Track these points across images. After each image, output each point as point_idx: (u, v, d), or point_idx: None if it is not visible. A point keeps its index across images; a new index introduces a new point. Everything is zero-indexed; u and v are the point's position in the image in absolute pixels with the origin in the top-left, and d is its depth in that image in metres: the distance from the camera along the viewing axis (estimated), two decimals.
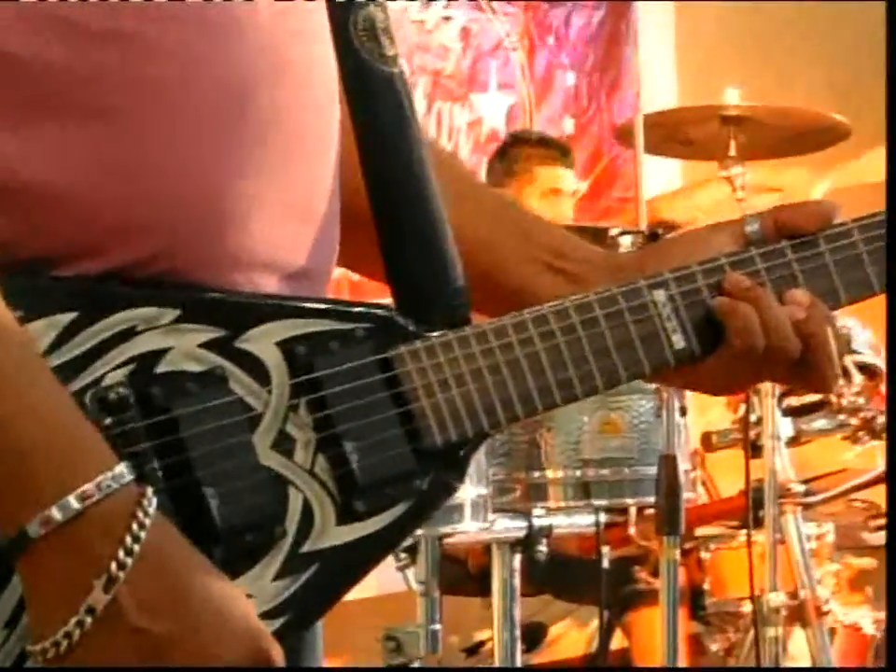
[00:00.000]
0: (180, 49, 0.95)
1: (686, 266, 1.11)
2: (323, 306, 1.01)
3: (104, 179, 0.93)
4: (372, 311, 1.02)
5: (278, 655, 0.90)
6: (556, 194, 4.13)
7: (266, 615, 0.94)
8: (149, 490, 0.87)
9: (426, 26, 5.03)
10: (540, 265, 1.20)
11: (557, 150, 4.30)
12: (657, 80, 5.49)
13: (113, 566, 0.84)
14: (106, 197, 0.93)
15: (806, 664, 2.99)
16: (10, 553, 0.85)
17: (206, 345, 0.94)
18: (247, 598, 0.91)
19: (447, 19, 5.09)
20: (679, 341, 1.09)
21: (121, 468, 0.86)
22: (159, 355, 0.93)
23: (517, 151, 4.26)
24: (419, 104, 4.95)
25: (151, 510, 0.86)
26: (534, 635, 4.61)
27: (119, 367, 0.92)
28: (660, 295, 1.09)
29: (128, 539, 0.85)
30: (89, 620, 0.84)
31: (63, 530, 0.84)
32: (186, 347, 0.94)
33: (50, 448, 0.85)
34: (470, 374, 1.02)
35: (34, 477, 0.85)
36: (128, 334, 0.92)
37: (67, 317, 0.90)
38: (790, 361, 1.11)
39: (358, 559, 1.00)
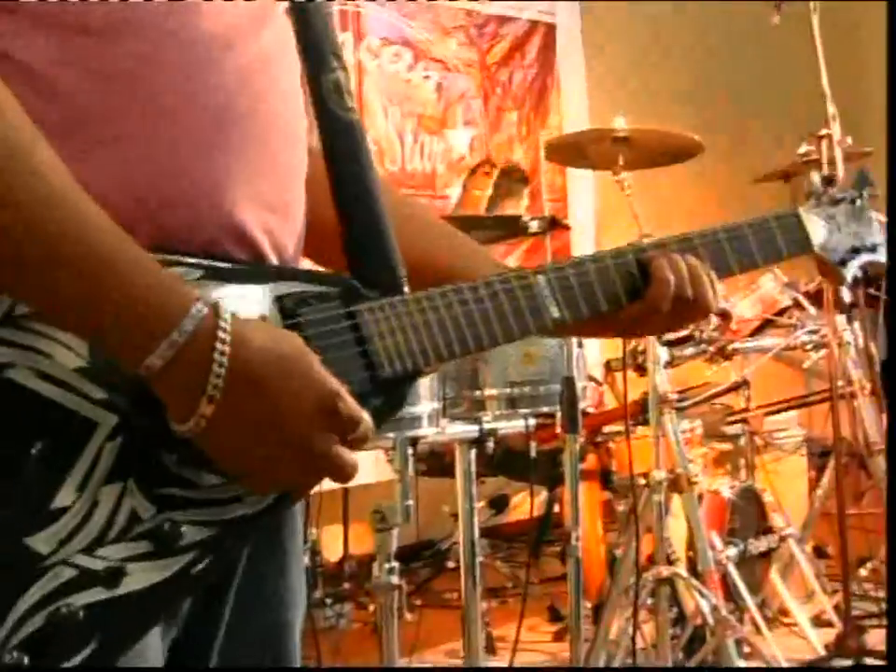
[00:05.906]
0: (177, 86, 0.92)
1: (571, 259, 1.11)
2: (306, 274, 0.97)
3: (130, 183, 0.89)
4: (341, 279, 0.99)
5: (344, 406, 0.86)
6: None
7: None
8: (220, 309, 0.84)
9: (412, 83, 5.06)
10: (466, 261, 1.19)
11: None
12: (574, 115, 5.55)
13: (210, 387, 0.82)
14: (134, 195, 0.89)
15: (682, 520, 2.94)
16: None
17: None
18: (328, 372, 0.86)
19: (427, 77, 5.13)
20: (554, 311, 1.07)
21: (193, 312, 0.82)
22: None
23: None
24: (408, 138, 5.02)
25: (227, 343, 0.82)
26: (500, 503, 4.61)
27: None
28: (541, 279, 1.07)
29: (215, 367, 0.82)
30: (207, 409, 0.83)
31: (167, 368, 0.82)
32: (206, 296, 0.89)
33: (151, 301, 0.82)
34: (410, 327, 0.99)
35: (142, 325, 0.82)
36: None
37: None
38: (684, 304, 1.14)
39: None
